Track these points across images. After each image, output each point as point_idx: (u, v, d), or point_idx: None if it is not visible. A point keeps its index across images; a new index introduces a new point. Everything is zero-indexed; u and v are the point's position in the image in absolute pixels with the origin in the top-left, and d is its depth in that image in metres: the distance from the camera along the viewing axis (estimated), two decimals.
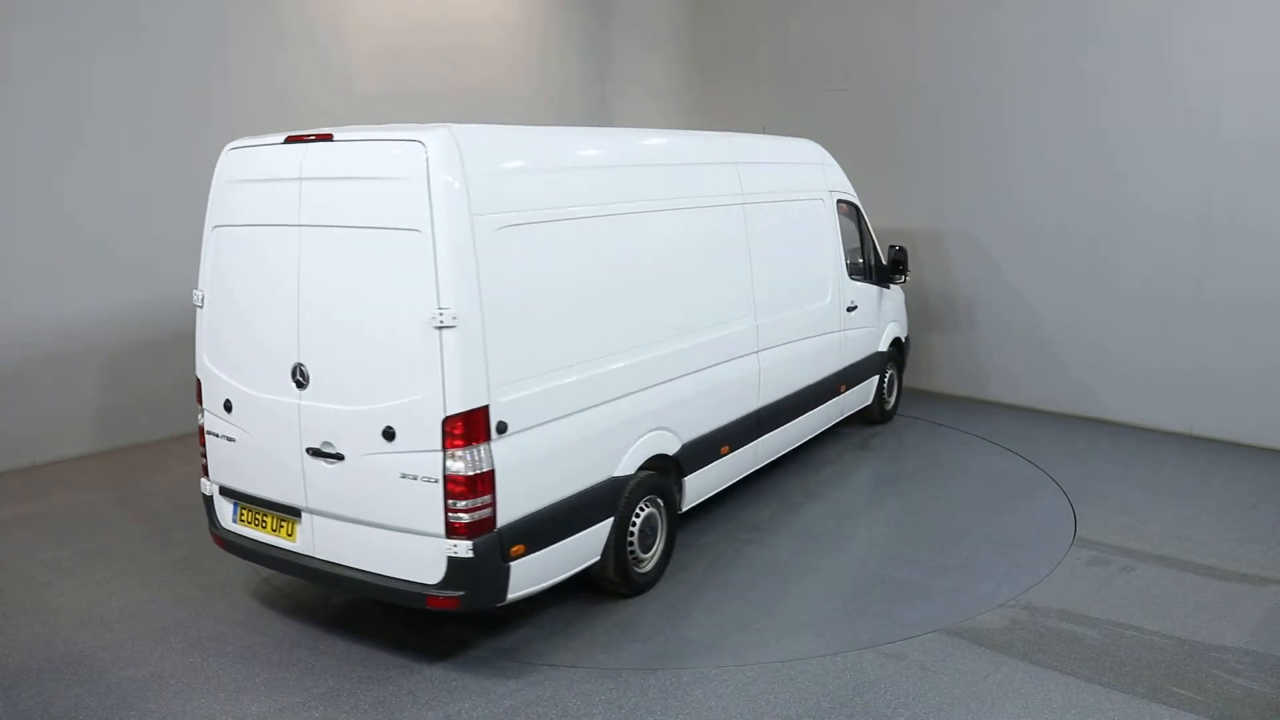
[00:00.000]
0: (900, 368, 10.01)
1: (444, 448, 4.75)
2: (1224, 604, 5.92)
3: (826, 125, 10.26)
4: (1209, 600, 5.97)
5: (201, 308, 5.70)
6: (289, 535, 5.39)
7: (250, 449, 5.48)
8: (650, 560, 6.15)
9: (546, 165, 5.44)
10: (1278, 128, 8.55)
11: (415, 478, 4.84)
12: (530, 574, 5.18)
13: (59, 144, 8.62)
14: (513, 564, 5.02)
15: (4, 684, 5.10)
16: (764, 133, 8.99)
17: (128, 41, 8.91)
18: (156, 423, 9.18)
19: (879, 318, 9.31)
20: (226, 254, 5.55)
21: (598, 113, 13.04)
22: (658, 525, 6.18)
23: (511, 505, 4.97)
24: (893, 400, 9.88)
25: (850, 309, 8.63)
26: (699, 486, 6.65)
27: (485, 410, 4.80)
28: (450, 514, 4.80)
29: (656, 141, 6.87)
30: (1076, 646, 5.41)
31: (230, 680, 5.12)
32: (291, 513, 5.36)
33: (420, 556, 4.91)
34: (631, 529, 5.92)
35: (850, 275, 8.70)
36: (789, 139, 8.61)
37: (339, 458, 5.07)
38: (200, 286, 5.69)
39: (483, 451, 4.80)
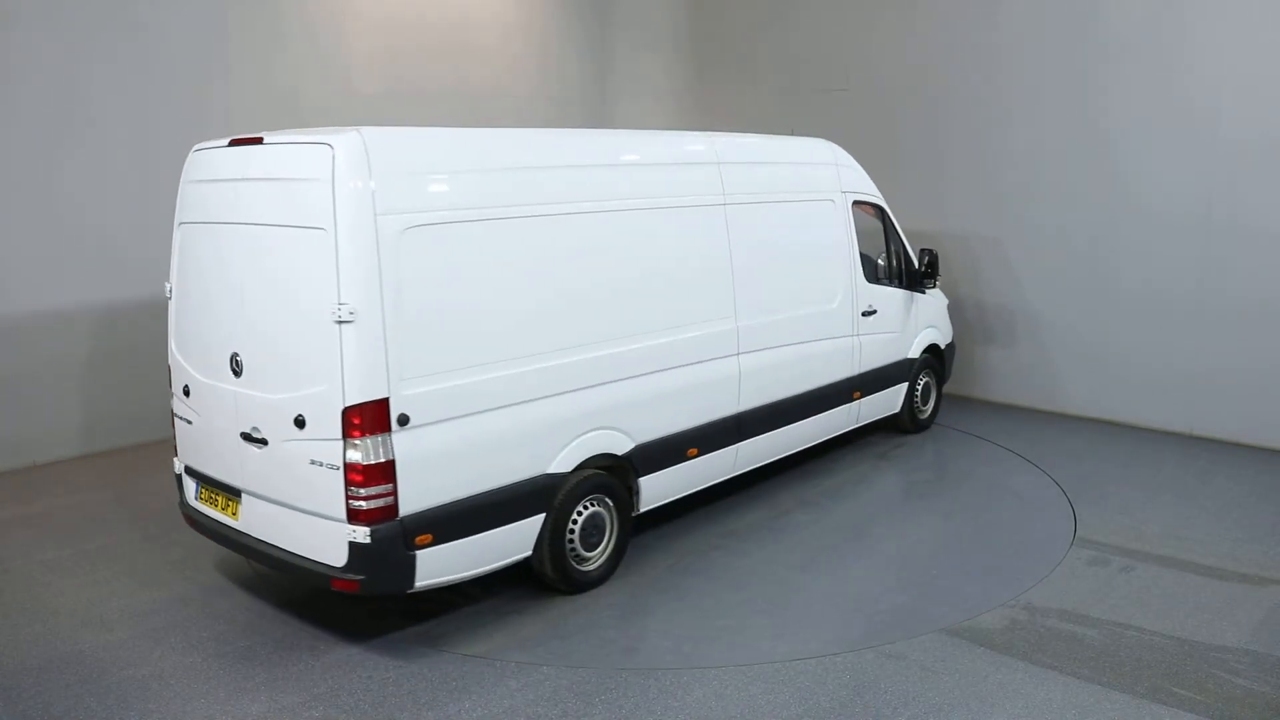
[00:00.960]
0: (938, 376, 9.61)
1: (344, 437, 4.96)
2: (1224, 604, 5.92)
3: (827, 125, 10.24)
4: (1209, 600, 5.97)
5: (170, 299, 6.15)
6: (234, 514, 5.73)
7: (203, 431, 5.89)
8: (596, 559, 6.16)
9: (467, 166, 5.50)
10: (1278, 127, 8.55)
11: (322, 464, 5.08)
12: (441, 564, 5.31)
13: (59, 144, 8.62)
14: (419, 553, 5.17)
15: (4, 684, 5.10)
16: (791, 133, 8.88)
17: (128, 41, 8.91)
18: (156, 423, 9.14)
19: (907, 323, 8.98)
20: (187, 249, 5.97)
21: (598, 112, 13.03)
22: (605, 524, 6.19)
23: (417, 495, 5.14)
24: (929, 409, 9.53)
25: (867, 313, 8.36)
26: (661, 488, 6.59)
27: (385, 403, 4.98)
28: (350, 500, 5.00)
29: (603, 142, 6.69)
30: (1076, 646, 5.41)
31: (230, 680, 5.12)
32: (234, 493, 5.70)
33: (327, 539, 5.14)
34: (572, 527, 5.96)
35: (872, 279, 8.47)
36: (799, 139, 8.43)
37: (264, 442, 5.38)
38: (170, 280, 6.13)
39: (382, 442, 4.98)
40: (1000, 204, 10.40)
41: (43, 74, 8.47)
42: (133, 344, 9.09)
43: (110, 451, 9.04)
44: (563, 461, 5.83)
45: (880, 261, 8.85)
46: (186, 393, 5.95)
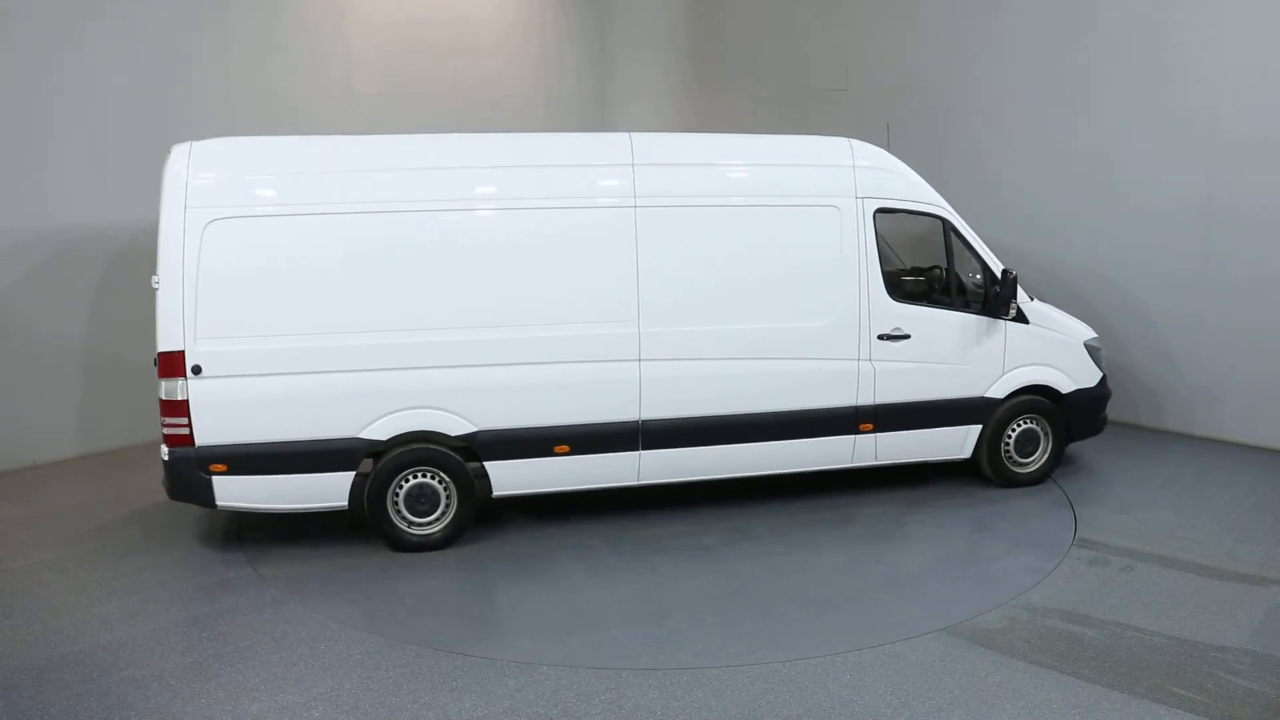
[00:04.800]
0: (1057, 425, 7.86)
1: (157, 376, 6.33)
2: (1224, 604, 5.92)
3: (826, 125, 10.22)
4: (1209, 600, 5.97)
5: None
6: None
7: None
8: (427, 526, 6.77)
9: (282, 170, 6.52)
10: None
11: (159, 396, 6.40)
12: (239, 492, 6.45)
13: (52, 144, 8.60)
14: (214, 478, 6.38)
15: (4, 684, 5.10)
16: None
17: (125, 40, 8.90)
18: (157, 422, 9.16)
19: (979, 355, 7.64)
20: None
21: (597, 112, 13.04)
22: (438, 496, 6.74)
23: (210, 431, 6.35)
24: (1033, 463, 7.88)
25: (891, 337, 7.38)
26: (519, 477, 6.85)
27: (181, 354, 6.24)
28: (161, 426, 6.39)
29: (442, 146, 6.99)
30: (1076, 646, 5.41)
31: (230, 680, 5.13)
32: None
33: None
34: (396, 492, 6.65)
35: (907, 298, 7.58)
36: (807, 138, 7.71)
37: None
38: None
39: (178, 384, 6.28)
40: (999, 204, 10.37)
41: (37, 72, 8.46)
42: (132, 343, 9.07)
43: (110, 451, 9.04)
44: (377, 430, 6.57)
45: (963, 280, 7.88)
46: None
